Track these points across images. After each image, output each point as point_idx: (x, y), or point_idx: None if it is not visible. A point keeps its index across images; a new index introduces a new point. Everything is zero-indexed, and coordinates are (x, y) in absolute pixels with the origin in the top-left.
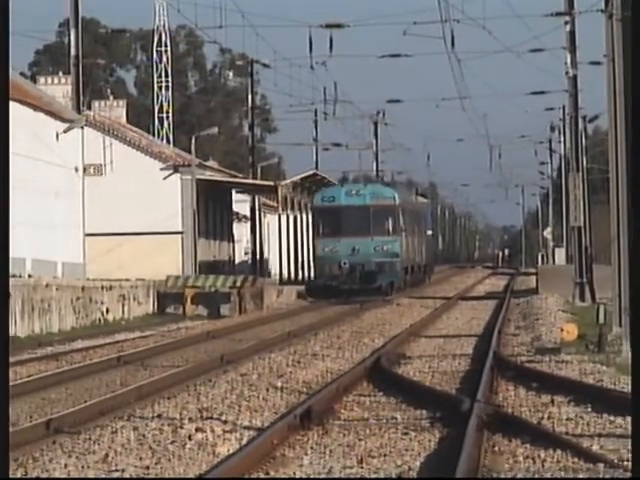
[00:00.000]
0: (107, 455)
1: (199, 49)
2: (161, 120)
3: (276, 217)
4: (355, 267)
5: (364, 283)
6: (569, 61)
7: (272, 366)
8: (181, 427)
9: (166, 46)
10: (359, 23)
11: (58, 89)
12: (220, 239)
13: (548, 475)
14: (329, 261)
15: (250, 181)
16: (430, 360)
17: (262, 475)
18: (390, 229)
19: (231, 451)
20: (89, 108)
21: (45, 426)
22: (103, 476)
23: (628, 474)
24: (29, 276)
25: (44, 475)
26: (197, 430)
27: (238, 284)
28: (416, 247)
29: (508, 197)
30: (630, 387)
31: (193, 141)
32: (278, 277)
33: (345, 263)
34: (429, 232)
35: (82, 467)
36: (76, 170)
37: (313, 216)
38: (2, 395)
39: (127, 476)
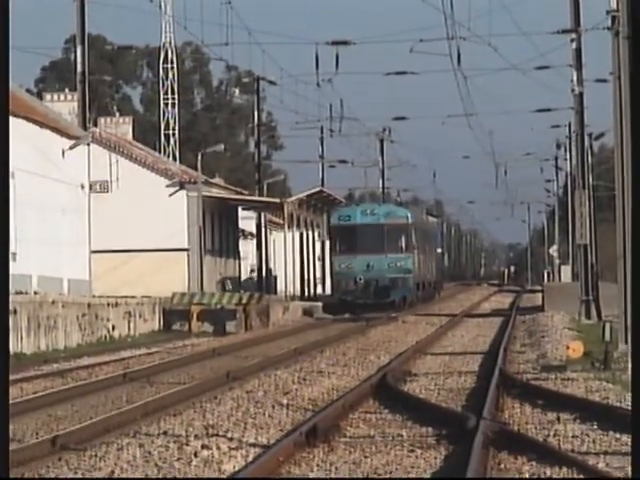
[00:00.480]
0: (113, 472)
1: (205, 66)
2: (167, 137)
3: (282, 234)
4: (370, 282)
5: (378, 298)
6: (575, 78)
7: (278, 383)
8: (187, 444)
9: (172, 63)
10: (365, 40)
11: (64, 106)
12: (226, 256)
13: None
14: (345, 277)
15: (256, 198)
16: (436, 377)
17: None
18: (403, 246)
19: (237, 468)
20: (95, 125)
21: (51, 443)
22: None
23: None
24: (35, 293)
25: None
26: (203, 447)
27: (244, 301)
28: (427, 264)
29: (514, 214)
30: (631, 387)
31: (199, 158)
32: (284, 294)
33: (360, 279)
34: (439, 250)
35: None
36: (82, 187)
37: (330, 234)
38: (2, 395)
39: None
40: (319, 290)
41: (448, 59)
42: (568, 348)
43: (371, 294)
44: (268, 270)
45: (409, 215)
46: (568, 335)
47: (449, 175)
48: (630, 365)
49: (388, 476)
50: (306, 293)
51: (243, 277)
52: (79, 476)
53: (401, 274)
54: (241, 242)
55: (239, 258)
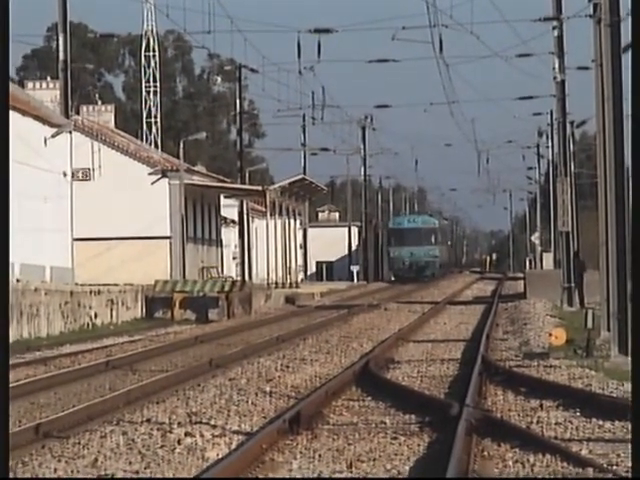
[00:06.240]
0: (96, 460)
1: (187, 54)
2: (149, 125)
3: (264, 222)
4: (412, 264)
5: (418, 274)
6: (557, 66)
7: (261, 371)
8: (170, 432)
9: (154, 51)
10: (347, 28)
11: (46, 94)
12: (208, 244)
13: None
14: (397, 260)
15: (238, 186)
16: (418, 365)
17: None
18: (432, 241)
19: (220, 456)
20: (77, 113)
21: (34, 431)
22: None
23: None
24: (17, 281)
25: None
26: (186, 435)
27: (226, 289)
28: (444, 253)
29: (496, 202)
30: (631, 386)
31: (181, 146)
32: (266, 282)
33: (407, 261)
34: (449, 242)
35: (71, 471)
36: (64, 175)
37: (388, 233)
38: (2, 396)
39: None
40: (300, 277)
41: (430, 47)
42: (551, 335)
43: (413, 271)
44: (250, 258)
45: (436, 222)
46: (550, 322)
47: (431, 162)
48: (630, 367)
49: (372, 463)
50: (289, 280)
51: (225, 265)
52: (62, 464)
53: (432, 259)
54: (223, 230)
55: (221, 246)
